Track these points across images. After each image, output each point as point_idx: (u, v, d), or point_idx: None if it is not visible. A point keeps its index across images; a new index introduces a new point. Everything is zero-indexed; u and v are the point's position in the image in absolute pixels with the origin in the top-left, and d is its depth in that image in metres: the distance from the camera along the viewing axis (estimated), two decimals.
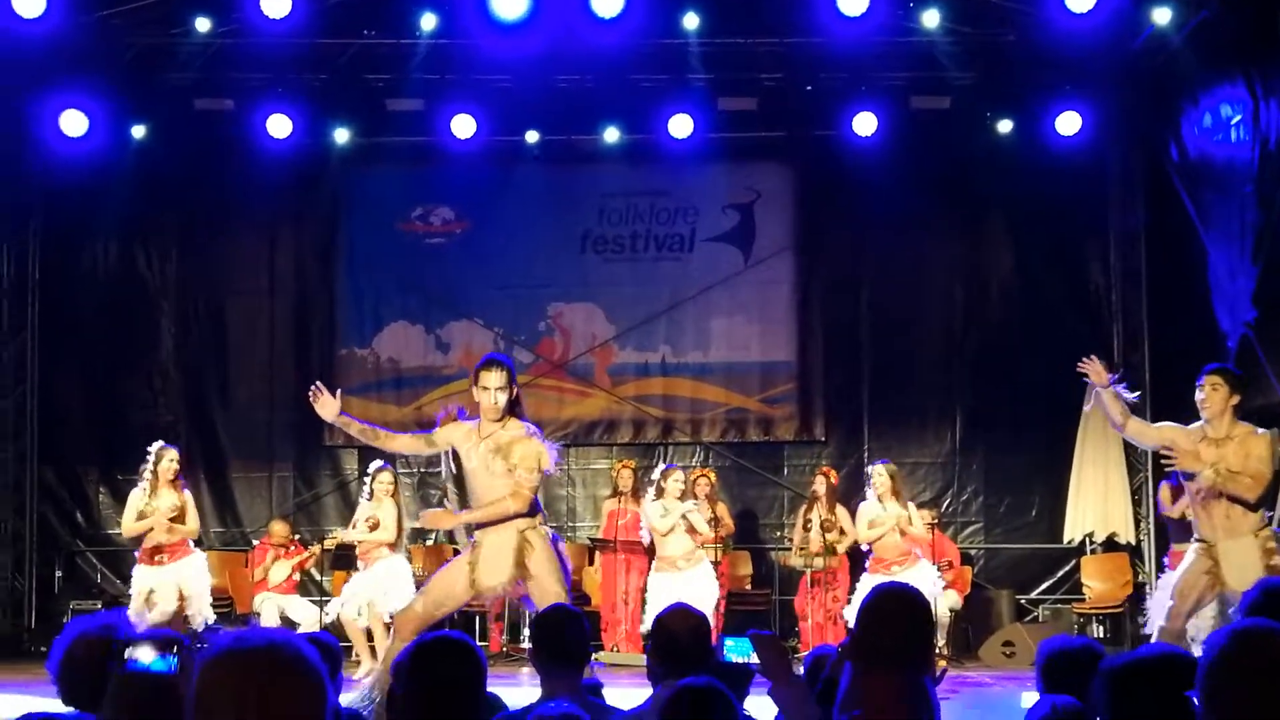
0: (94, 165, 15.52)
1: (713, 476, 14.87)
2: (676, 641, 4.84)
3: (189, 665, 3.91)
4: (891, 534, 12.90)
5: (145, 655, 3.61)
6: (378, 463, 13.26)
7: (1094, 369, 8.97)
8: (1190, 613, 8.94)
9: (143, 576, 12.21)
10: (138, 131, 15.64)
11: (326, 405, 8.49)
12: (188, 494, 12.43)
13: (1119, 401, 8.99)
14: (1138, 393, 9.37)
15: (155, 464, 12.17)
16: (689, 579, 13.06)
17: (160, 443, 12.43)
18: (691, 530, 13.33)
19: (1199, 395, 8.97)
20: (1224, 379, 9.00)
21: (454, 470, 8.60)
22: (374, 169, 16.73)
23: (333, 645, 5.27)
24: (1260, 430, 9.00)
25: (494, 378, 8.18)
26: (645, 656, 5.19)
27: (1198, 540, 8.96)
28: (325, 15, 14.54)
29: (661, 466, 14.11)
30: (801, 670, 5.20)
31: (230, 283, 16.81)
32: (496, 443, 8.20)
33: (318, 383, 8.59)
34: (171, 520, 12.09)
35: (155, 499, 12.10)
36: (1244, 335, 13.26)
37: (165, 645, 3.75)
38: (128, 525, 12.27)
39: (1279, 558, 8.65)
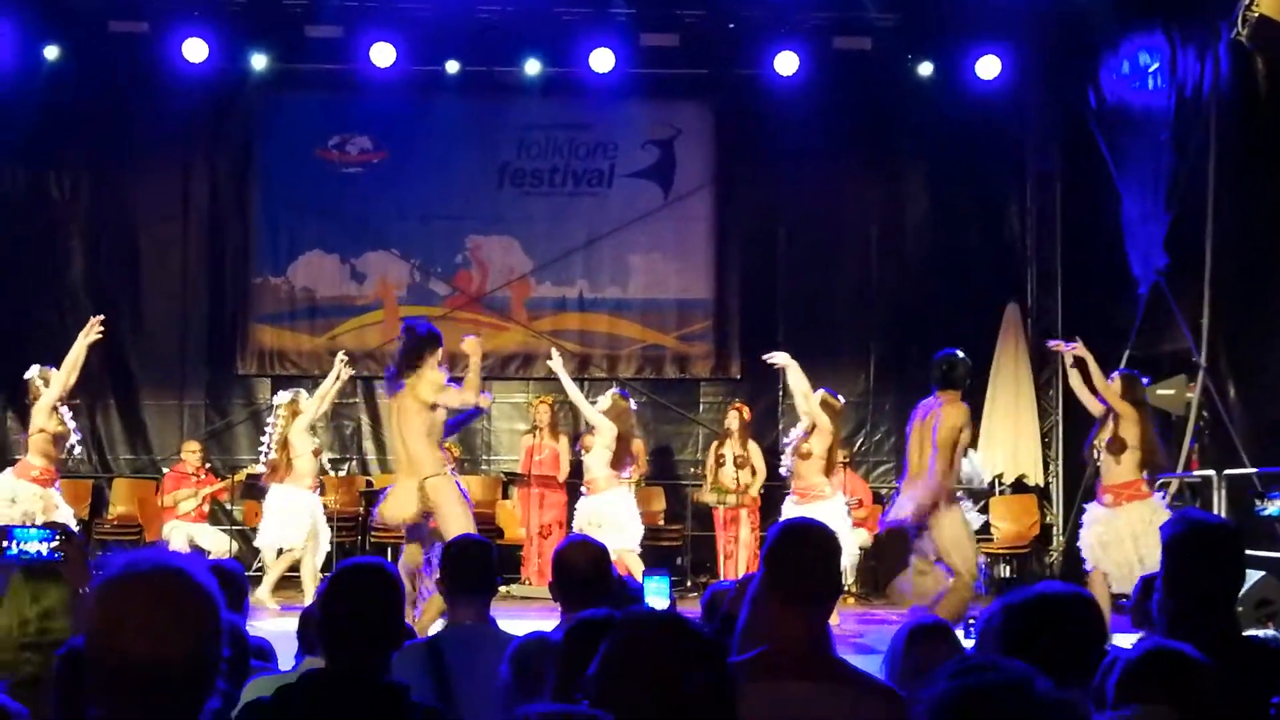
0: (3, 87, 15.22)
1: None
2: (577, 572, 4.85)
3: (75, 554, 3.90)
4: (812, 463, 12.87)
5: (28, 543, 3.59)
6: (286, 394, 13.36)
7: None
8: None
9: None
10: (50, 53, 15.35)
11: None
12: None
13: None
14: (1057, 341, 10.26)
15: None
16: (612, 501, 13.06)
17: (38, 366, 12.19)
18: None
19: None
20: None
21: None
22: (291, 96, 16.53)
23: (236, 572, 5.28)
24: None
25: None
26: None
27: None
28: None
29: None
30: (699, 605, 5.23)
31: (143, 209, 16.54)
32: None
33: None
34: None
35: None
36: (1155, 282, 13.41)
37: (48, 529, 3.74)
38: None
39: None
